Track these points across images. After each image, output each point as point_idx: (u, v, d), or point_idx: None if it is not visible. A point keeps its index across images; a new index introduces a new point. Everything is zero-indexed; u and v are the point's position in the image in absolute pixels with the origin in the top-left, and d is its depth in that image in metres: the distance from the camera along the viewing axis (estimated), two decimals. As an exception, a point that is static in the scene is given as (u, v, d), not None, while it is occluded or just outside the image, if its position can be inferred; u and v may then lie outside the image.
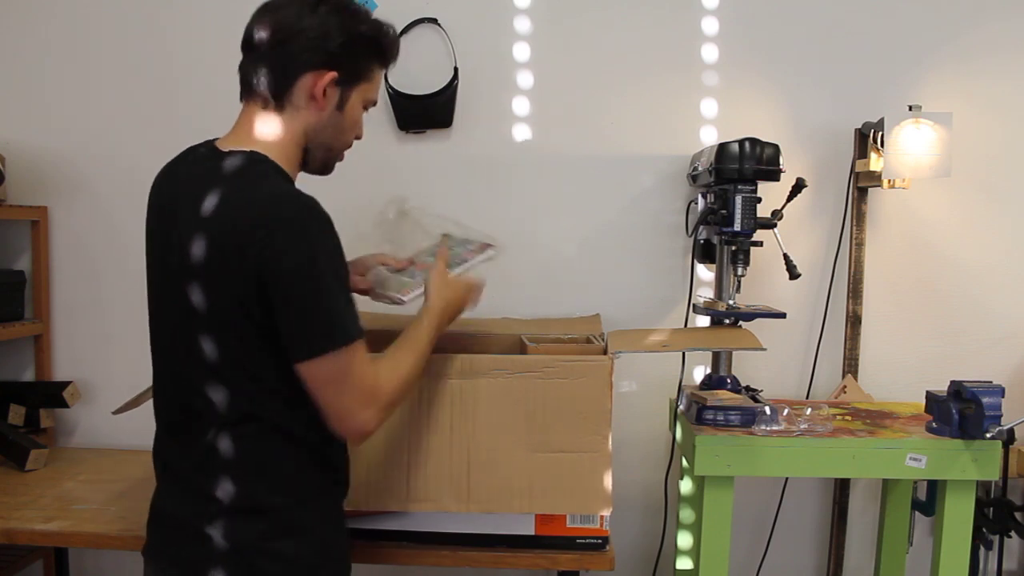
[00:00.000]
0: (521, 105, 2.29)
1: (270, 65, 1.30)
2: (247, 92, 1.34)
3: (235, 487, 1.26)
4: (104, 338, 2.36)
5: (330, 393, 1.23)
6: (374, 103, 1.41)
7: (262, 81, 1.30)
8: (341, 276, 1.24)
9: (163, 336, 1.33)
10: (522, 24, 2.27)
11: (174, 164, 1.35)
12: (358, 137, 1.42)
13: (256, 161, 1.27)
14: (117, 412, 1.79)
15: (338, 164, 1.43)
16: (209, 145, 1.32)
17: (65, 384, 2.24)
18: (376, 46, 1.35)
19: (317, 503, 1.34)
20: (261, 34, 1.30)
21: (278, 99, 1.30)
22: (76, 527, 1.72)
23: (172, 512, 1.32)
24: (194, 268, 1.21)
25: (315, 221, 1.20)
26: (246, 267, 1.18)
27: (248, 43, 1.33)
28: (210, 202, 1.21)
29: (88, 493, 1.91)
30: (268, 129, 1.31)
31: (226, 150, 1.29)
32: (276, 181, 1.27)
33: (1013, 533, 2.11)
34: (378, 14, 1.35)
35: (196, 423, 1.27)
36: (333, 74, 1.30)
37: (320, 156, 1.37)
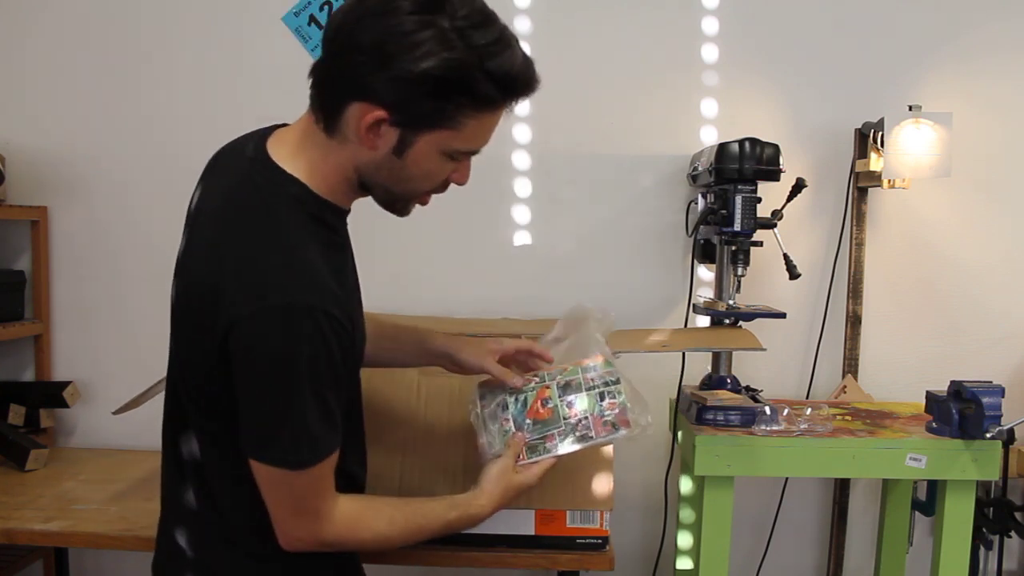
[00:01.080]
0: (521, 105, 2.26)
1: (328, 77, 1.05)
2: (310, 97, 1.10)
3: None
4: (104, 338, 2.36)
5: (267, 497, 1.08)
6: (471, 153, 1.12)
7: (317, 93, 1.07)
8: (320, 388, 1.04)
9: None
10: (522, 24, 2.27)
11: (223, 158, 1.19)
12: (458, 182, 1.15)
13: (290, 200, 1.07)
14: (117, 412, 1.79)
15: None
16: (260, 147, 1.13)
17: (65, 384, 2.23)
18: (468, 87, 1.01)
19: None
20: (330, 36, 1.04)
21: (327, 123, 1.06)
22: (76, 527, 1.71)
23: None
24: (183, 285, 1.12)
25: (291, 320, 1.00)
26: (217, 328, 1.02)
27: (324, 41, 1.07)
28: (227, 244, 1.05)
29: (88, 493, 1.91)
30: (317, 152, 1.09)
31: (272, 159, 1.10)
32: (286, 244, 1.05)
33: (1013, 533, 2.11)
34: (492, 38, 1.15)
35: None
36: (380, 114, 1.01)
37: (380, 196, 1.15)
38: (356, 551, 1.26)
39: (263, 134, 1.15)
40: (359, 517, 1.16)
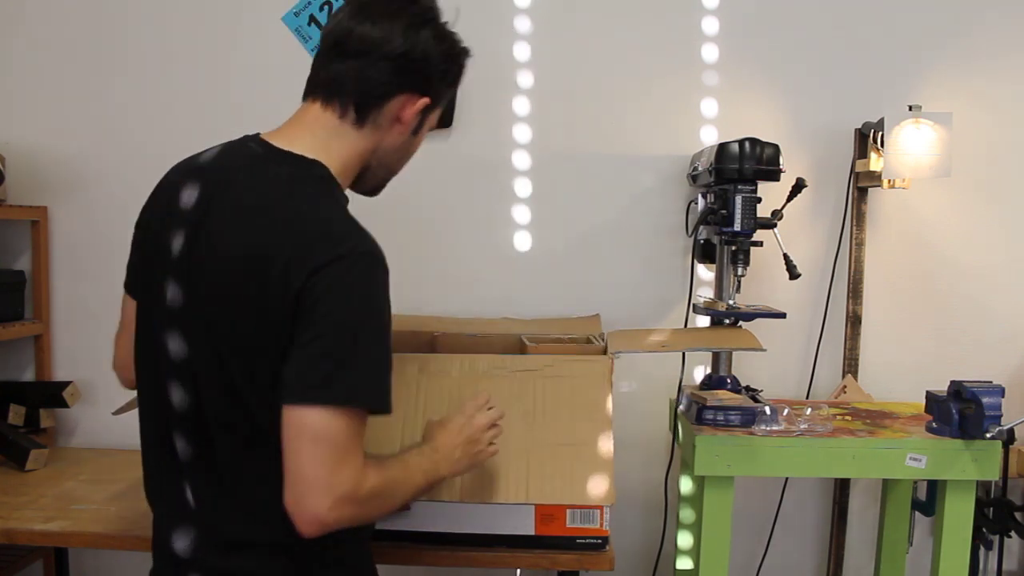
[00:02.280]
0: (521, 105, 2.29)
1: (364, 82, 1.18)
2: (324, 94, 1.20)
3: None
4: (104, 338, 2.31)
5: (302, 452, 1.04)
6: (434, 126, 1.33)
7: (349, 96, 1.18)
8: (388, 334, 1.11)
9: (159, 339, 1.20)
10: (522, 24, 2.27)
11: (212, 157, 1.22)
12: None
13: (321, 176, 1.17)
14: (117, 412, 1.79)
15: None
16: (263, 143, 1.20)
17: (65, 384, 2.23)
18: (460, 75, 1.29)
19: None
20: (358, 41, 1.18)
21: (361, 115, 1.19)
22: (76, 527, 1.72)
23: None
24: (223, 274, 1.11)
25: (375, 265, 1.10)
26: (287, 286, 1.06)
27: (340, 44, 1.19)
28: (267, 207, 1.11)
29: (88, 493, 1.91)
30: (338, 141, 1.20)
31: (285, 149, 1.17)
32: (340, 204, 1.18)
33: (1013, 533, 2.11)
34: (464, 44, 1.27)
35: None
36: (427, 100, 1.22)
37: (380, 176, 1.29)
38: (375, 514, 1.22)
39: (256, 139, 1.21)
40: (381, 468, 1.15)
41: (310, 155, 1.17)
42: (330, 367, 1.05)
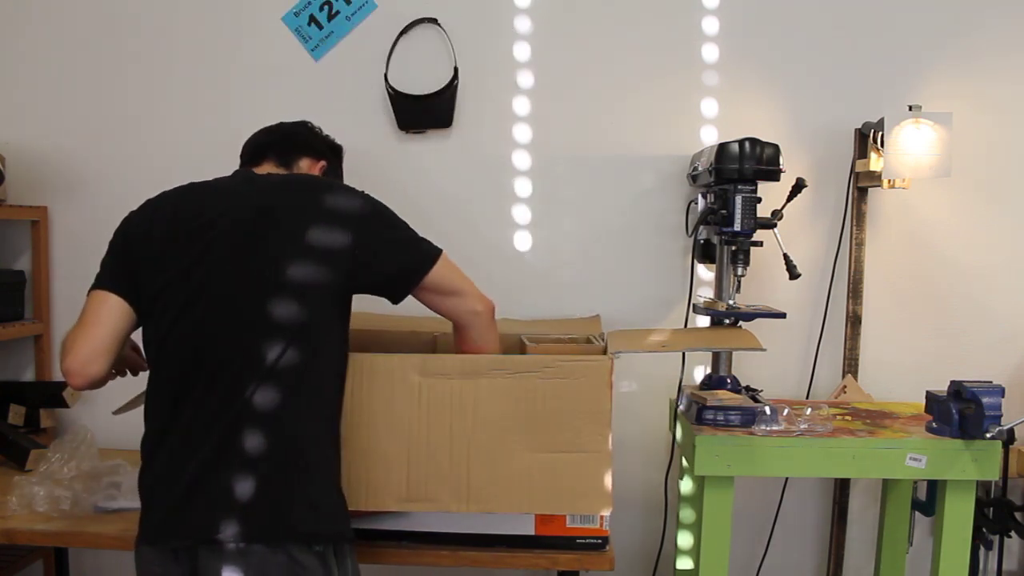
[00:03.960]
0: (521, 105, 2.29)
1: (284, 146, 1.68)
2: (258, 160, 1.65)
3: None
4: (104, 338, 2.35)
5: (459, 280, 1.54)
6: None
7: (272, 151, 1.66)
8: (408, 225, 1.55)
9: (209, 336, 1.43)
10: (522, 24, 2.27)
11: (212, 184, 1.55)
12: None
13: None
14: (117, 412, 1.79)
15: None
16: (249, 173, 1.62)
17: (65, 384, 2.23)
18: (339, 153, 1.85)
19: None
20: (272, 132, 1.73)
21: (288, 168, 1.66)
22: (76, 527, 1.72)
23: (170, 487, 1.40)
24: (313, 249, 1.42)
25: (377, 200, 1.54)
26: (359, 237, 1.45)
27: (262, 135, 1.72)
28: (324, 196, 1.49)
29: (88, 493, 1.90)
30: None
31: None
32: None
33: (1013, 533, 2.11)
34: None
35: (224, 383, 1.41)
36: (323, 163, 1.73)
37: None
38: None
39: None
40: None
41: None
42: (415, 249, 1.52)
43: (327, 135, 1.81)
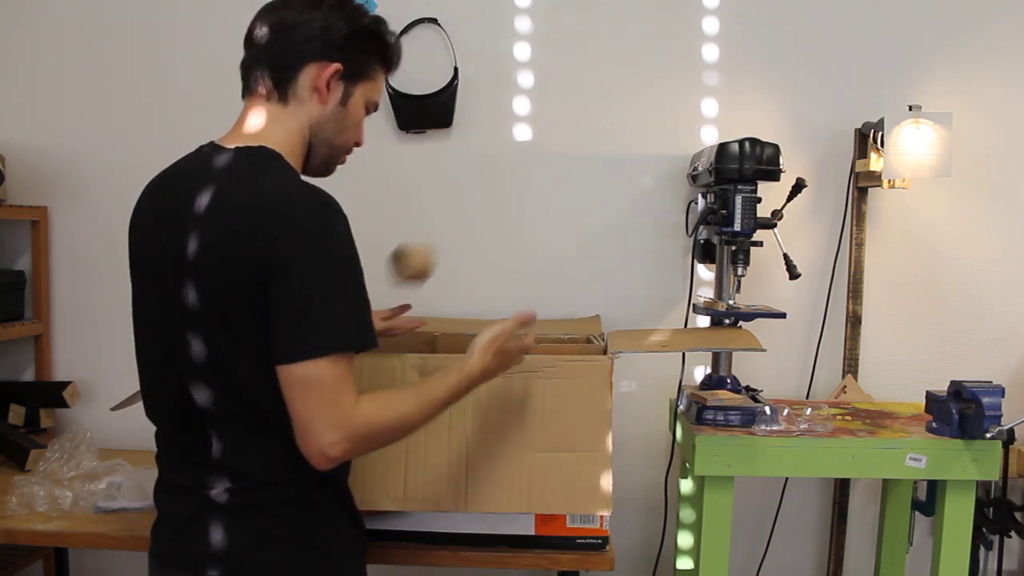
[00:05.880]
0: (521, 105, 2.29)
1: (273, 57, 1.29)
2: (249, 88, 1.32)
3: (231, 484, 1.25)
4: (104, 338, 2.35)
5: (297, 400, 1.16)
6: (376, 105, 1.39)
7: (265, 74, 1.29)
8: (355, 276, 1.19)
9: (153, 340, 1.34)
10: (522, 24, 2.27)
11: (174, 168, 1.33)
12: (358, 144, 1.40)
13: (267, 155, 1.25)
14: (115, 408, 1.79)
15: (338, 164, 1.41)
16: (212, 144, 1.30)
17: (65, 384, 2.23)
18: (380, 44, 1.35)
19: (319, 510, 1.30)
20: (263, 29, 1.30)
21: (281, 91, 1.29)
22: (76, 527, 1.72)
23: (174, 512, 1.31)
24: (194, 264, 1.20)
25: (331, 218, 1.18)
26: (253, 260, 1.15)
27: (249, 40, 1.32)
28: (221, 196, 1.20)
29: (88, 493, 1.91)
30: (273, 123, 1.29)
31: (231, 147, 1.26)
32: (290, 174, 1.26)
33: (1013, 533, 2.11)
34: (378, 14, 1.35)
35: (189, 424, 1.26)
36: (337, 66, 1.29)
37: (323, 153, 1.34)
38: (381, 444, 1.28)
39: (208, 144, 1.31)
40: (381, 402, 1.24)
41: (254, 143, 1.26)
42: (304, 323, 1.15)
43: (353, 7, 1.32)
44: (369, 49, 1.33)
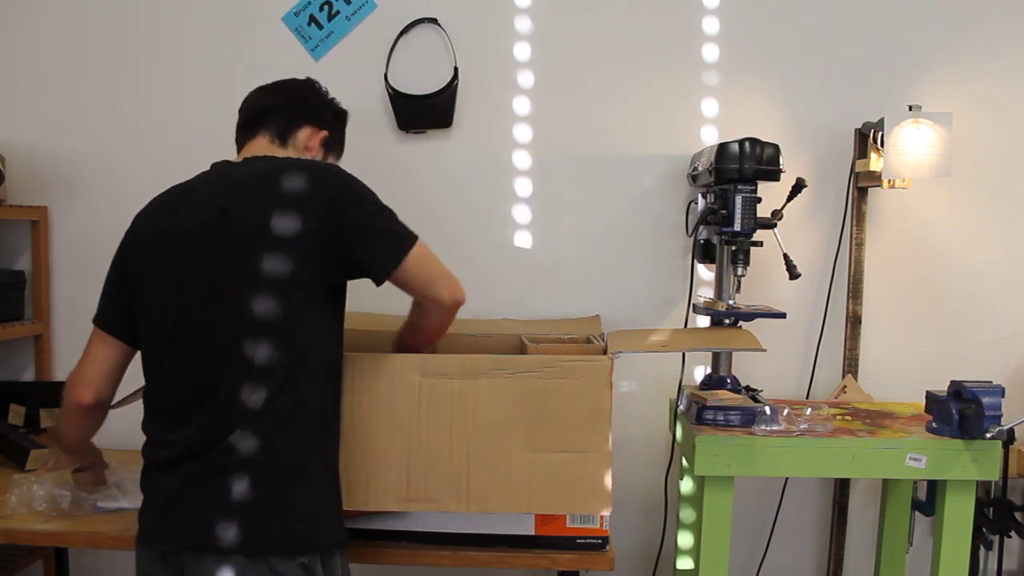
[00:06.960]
0: (521, 105, 2.29)
1: (283, 112, 1.61)
2: (254, 135, 1.59)
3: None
4: (104, 338, 2.35)
5: (433, 268, 1.50)
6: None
7: (271, 124, 1.59)
8: (383, 203, 1.51)
9: (191, 336, 1.44)
10: (522, 24, 2.27)
11: (188, 183, 1.52)
12: None
13: (277, 157, 1.54)
14: (114, 406, 1.79)
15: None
16: (224, 161, 1.54)
17: (65, 384, 2.23)
18: (344, 129, 1.74)
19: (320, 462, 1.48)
20: (274, 97, 1.63)
21: (283, 139, 1.59)
22: (76, 527, 1.72)
23: (160, 490, 1.44)
24: (277, 241, 1.39)
25: (353, 177, 1.50)
26: (325, 221, 1.41)
27: (256, 103, 1.63)
28: (283, 183, 1.43)
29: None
30: (275, 153, 1.58)
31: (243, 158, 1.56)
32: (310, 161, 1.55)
33: (1013, 533, 2.11)
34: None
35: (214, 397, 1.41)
36: (325, 133, 1.64)
37: None
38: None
39: (222, 160, 1.56)
40: None
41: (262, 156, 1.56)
42: (393, 234, 1.48)
43: (333, 98, 1.71)
44: (341, 129, 1.73)
